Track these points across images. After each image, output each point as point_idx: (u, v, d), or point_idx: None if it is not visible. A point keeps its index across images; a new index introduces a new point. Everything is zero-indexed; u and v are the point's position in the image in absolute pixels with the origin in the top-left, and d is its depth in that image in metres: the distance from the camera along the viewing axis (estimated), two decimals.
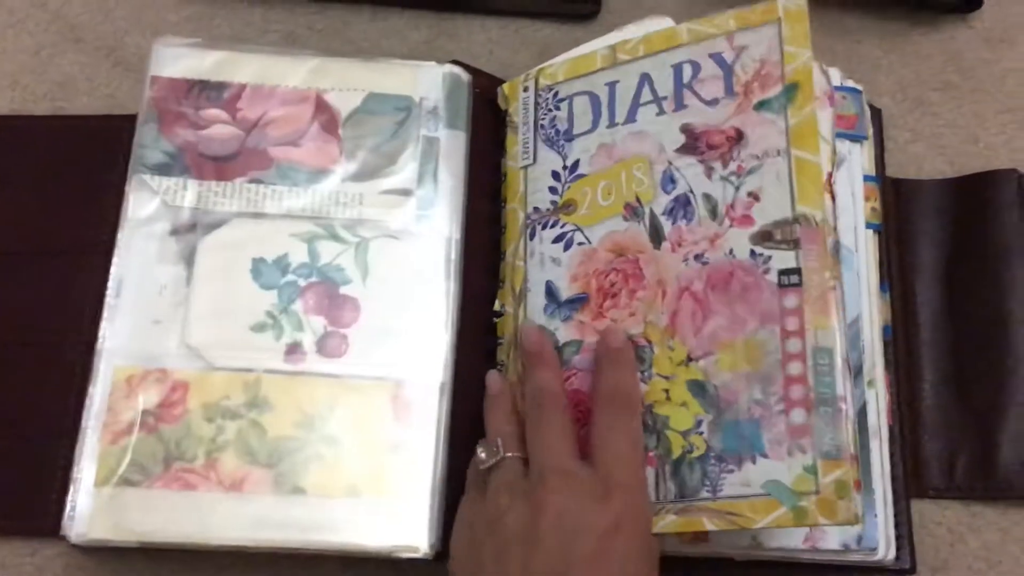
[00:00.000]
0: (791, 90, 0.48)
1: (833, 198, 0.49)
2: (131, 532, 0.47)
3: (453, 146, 0.54)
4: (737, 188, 0.48)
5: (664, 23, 0.55)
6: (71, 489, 0.48)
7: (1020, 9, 0.65)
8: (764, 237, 0.47)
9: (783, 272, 0.46)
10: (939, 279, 0.57)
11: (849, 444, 0.43)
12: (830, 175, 0.50)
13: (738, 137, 0.49)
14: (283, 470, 0.48)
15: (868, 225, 0.54)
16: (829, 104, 0.52)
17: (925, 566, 0.53)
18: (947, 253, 0.58)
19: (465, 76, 0.56)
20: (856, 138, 0.55)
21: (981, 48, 0.64)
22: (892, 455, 0.52)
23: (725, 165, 0.49)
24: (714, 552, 0.50)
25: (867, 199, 0.54)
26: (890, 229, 0.57)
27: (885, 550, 0.49)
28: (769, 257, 0.46)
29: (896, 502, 0.52)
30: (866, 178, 0.54)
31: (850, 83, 0.56)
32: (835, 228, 0.48)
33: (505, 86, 0.57)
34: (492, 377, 0.51)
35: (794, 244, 0.46)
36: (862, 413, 0.50)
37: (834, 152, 0.51)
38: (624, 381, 0.47)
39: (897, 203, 0.59)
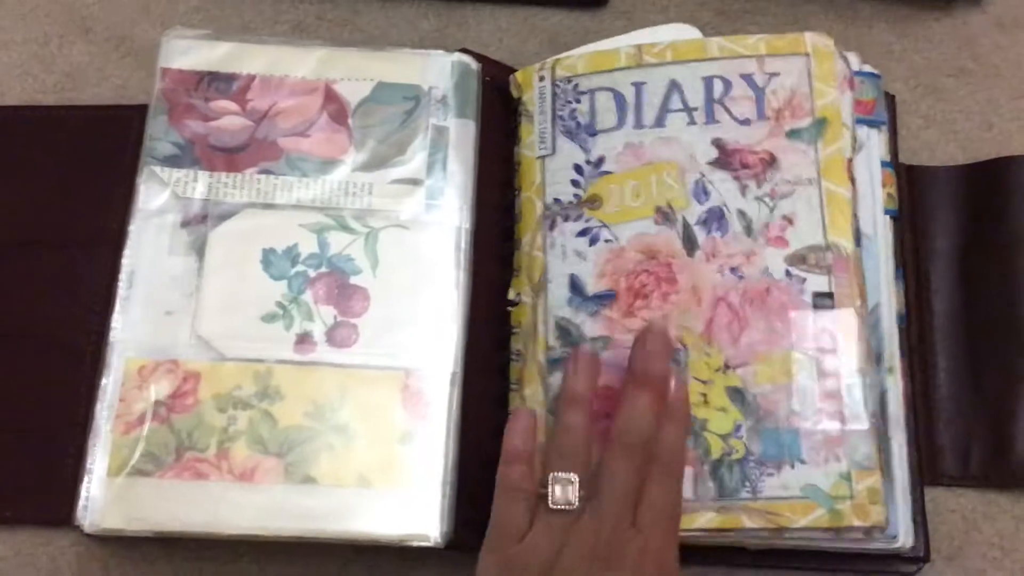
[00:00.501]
0: (820, 124, 0.51)
1: (854, 184, 0.51)
2: (144, 522, 0.47)
3: (462, 135, 0.54)
4: (772, 209, 0.51)
5: (690, 32, 0.57)
6: (84, 479, 0.48)
7: None
8: (799, 260, 0.50)
9: (818, 295, 0.49)
10: (953, 266, 0.57)
11: (876, 455, 0.47)
12: (850, 161, 0.51)
13: (771, 160, 0.51)
14: (294, 460, 0.48)
15: (885, 211, 0.53)
16: (849, 89, 0.52)
17: (939, 554, 0.53)
18: (961, 240, 0.57)
19: (474, 64, 0.56)
20: (874, 123, 0.54)
21: (995, 33, 0.63)
22: (907, 442, 0.52)
23: (759, 185, 0.51)
24: (729, 541, 0.50)
25: (883, 185, 0.54)
26: (904, 216, 0.57)
27: (905, 537, 0.49)
28: (804, 279, 0.49)
29: (911, 490, 0.51)
30: (882, 164, 0.54)
31: (868, 68, 0.56)
32: (855, 214, 0.50)
33: (518, 74, 0.57)
34: (583, 369, 0.47)
35: (827, 270, 0.49)
36: (882, 401, 0.50)
37: (854, 139, 0.52)
38: (678, 442, 0.46)
39: (911, 190, 0.58)
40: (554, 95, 0.55)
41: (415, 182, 0.53)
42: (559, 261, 0.52)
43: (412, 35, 0.63)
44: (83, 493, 0.48)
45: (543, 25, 0.63)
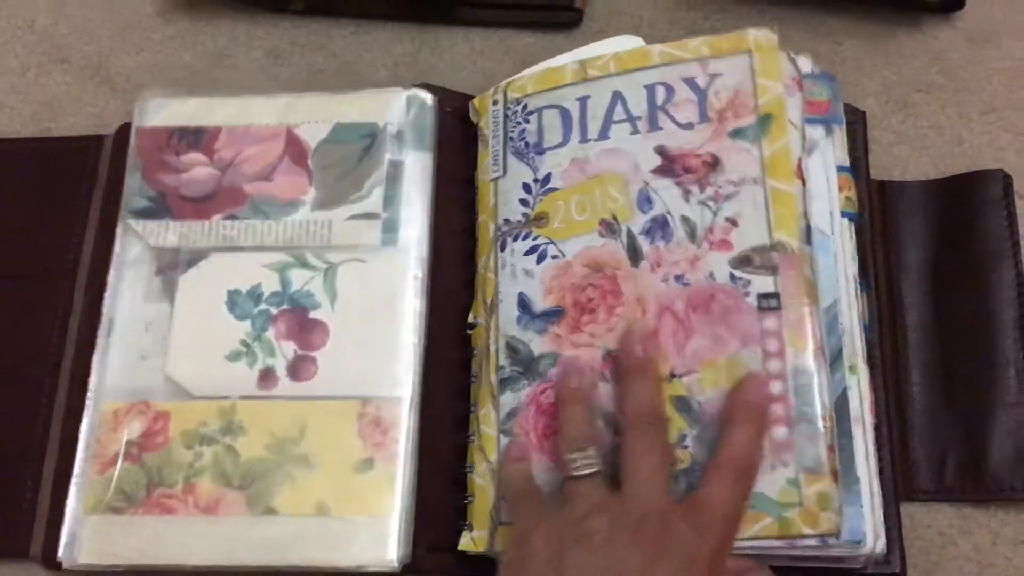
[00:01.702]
0: (765, 121, 0.50)
1: (803, 182, 0.49)
2: (117, 557, 0.50)
3: (419, 167, 0.56)
4: (715, 213, 0.49)
5: (633, 42, 0.56)
6: (65, 518, 0.51)
7: (1003, 8, 0.63)
8: (743, 262, 0.48)
9: (763, 296, 0.47)
10: (925, 281, 0.56)
11: (827, 459, 0.45)
12: (800, 160, 0.50)
13: (714, 163, 0.50)
14: (255, 492, 0.50)
15: (844, 214, 0.52)
16: (798, 90, 0.51)
17: (916, 569, 0.51)
18: (933, 254, 0.56)
19: (429, 98, 0.57)
20: (829, 122, 0.53)
21: (965, 48, 0.62)
22: (881, 458, 0.51)
23: (702, 189, 0.50)
24: None
25: (841, 189, 0.52)
26: (875, 231, 0.56)
27: (873, 542, 0.47)
28: (749, 281, 0.48)
29: (886, 505, 0.50)
30: (840, 169, 0.53)
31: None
32: (806, 213, 0.49)
33: (475, 100, 0.58)
34: (570, 368, 0.49)
35: (772, 270, 0.48)
36: (843, 399, 0.48)
37: (803, 137, 0.51)
38: (749, 443, 0.45)
39: (883, 204, 0.58)
40: (506, 117, 0.55)
41: (372, 216, 0.55)
42: (509, 281, 0.52)
43: (386, 59, 0.64)
44: (65, 530, 0.50)
45: (517, 47, 0.64)
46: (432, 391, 0.53)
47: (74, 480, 0.51)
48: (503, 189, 0.54)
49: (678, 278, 0.49)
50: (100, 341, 0.54)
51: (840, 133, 0.54)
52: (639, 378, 0.47)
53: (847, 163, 0.54)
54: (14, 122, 0.63)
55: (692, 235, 0.49)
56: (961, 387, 0.54)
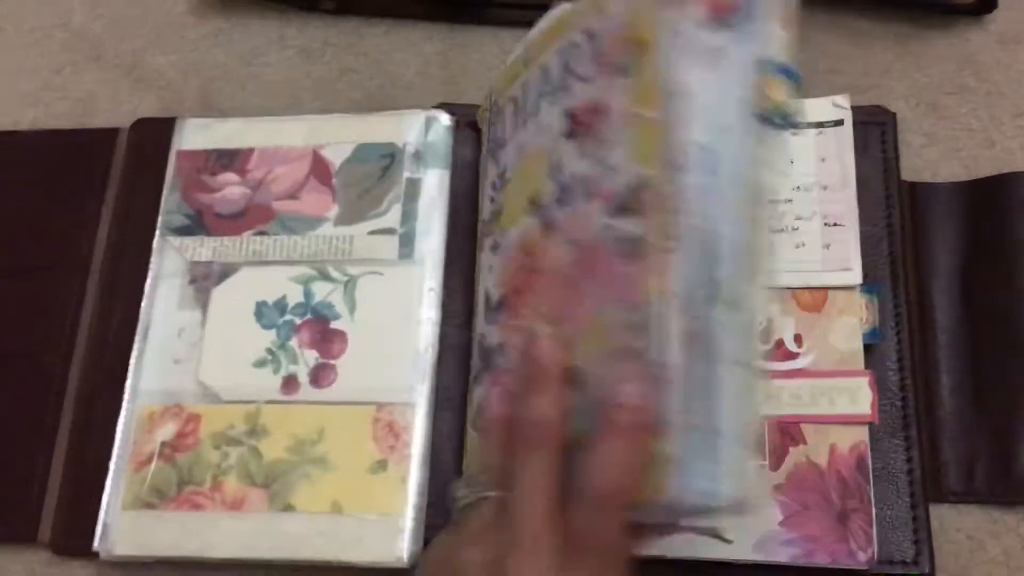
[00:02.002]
0: (637, 47, 0.43)
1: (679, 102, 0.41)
2: (150, 548, 0.53)
3: (435, 185, 0.59)
4: (600, 163, 0.44)
5: (561, 10, 0.52)
6: (101, 512, 0.54)
7: None
8: (618, 210, 0.42)
9: (627, 240, 0.41)
10: (955, 283, 0.56)
11: (663, 414, 0.38)
12: (677, 78, 0.41)
13: (603, 110, 0.45)
14: (276, 490, 0.53)
15: (763, 118, 0.41)
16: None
17: (945, 573, 0.51)
18: (963, 257, 0.57)
19: (445, 118, 0.60)
20: (735, 22, 0.41)
21: (996, 50, 0.62)
22: (910, 460, 0.52)
23: (594, 142, 0.45)
24: None
25: (765, 88, 0.41)
26: (905, 233, 0.57)
27: (730, 490, 0.38)
28: (619, 228, 0.42)
29: (915, 507, 0.51)
30: (779, 69, 0.41)
31: None
32: (676, 137, 0.40)
33: (480, 109, 0.59)
34: (493, 399, 0.48)
35: (637, 211, 0.41)
36: (706, 340, 0.39)
37: (691, 52, 0.41)
38: (609, 462, 0.39)
39: (912, 206, 0.58)
40: (489, 121, 0.56)
41: (390, 232, 0.57)
42: (482, 280, 0.53)
43: (416, 58, 0.65)
44: (101, 524, 0.54)
45: None
46: (447, 394, 0.55)
47: (110, 477, 0.55)
48: (483, 191, 0.55)
49: (572, 242, 0.45)
50: (136, 346, 0.57)
51: (770, 29, 0.41)
52: (534, 389, 0.41)
53: (786, 63, 0.42)
54: (50, 119, 0.65)
55: (585, 193, 0.45)
56: (991, 389, 0.54)
